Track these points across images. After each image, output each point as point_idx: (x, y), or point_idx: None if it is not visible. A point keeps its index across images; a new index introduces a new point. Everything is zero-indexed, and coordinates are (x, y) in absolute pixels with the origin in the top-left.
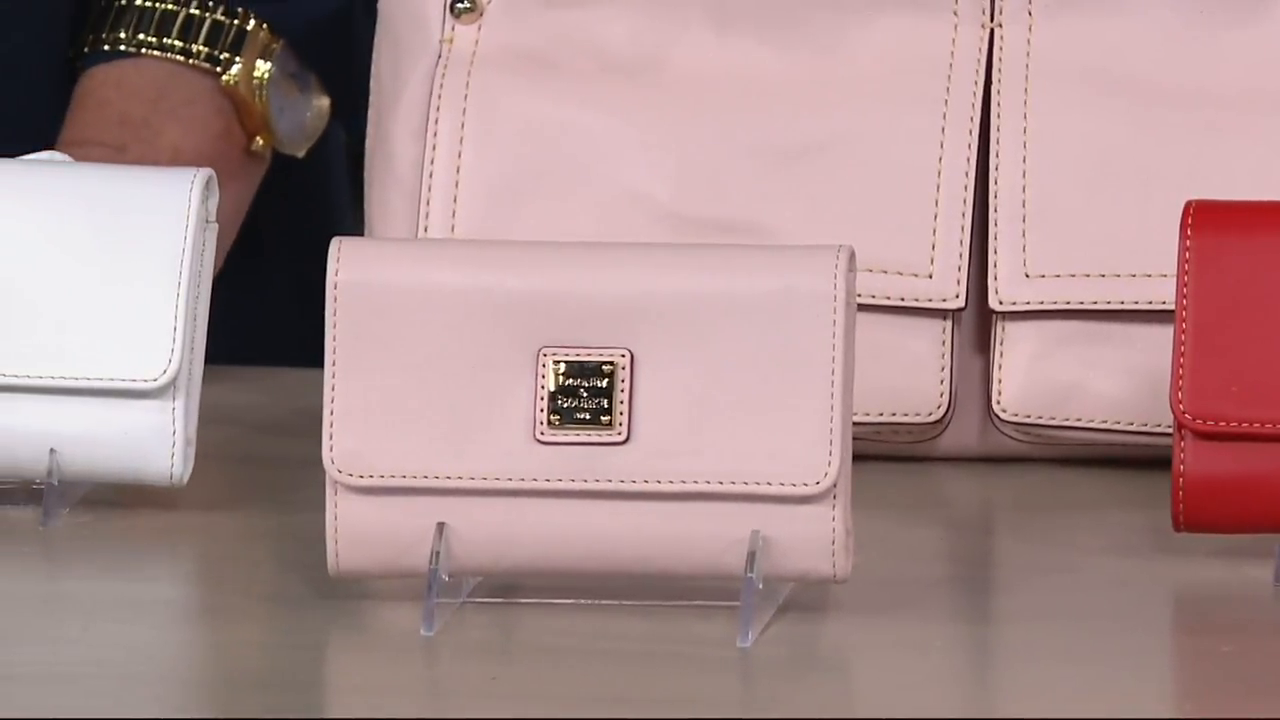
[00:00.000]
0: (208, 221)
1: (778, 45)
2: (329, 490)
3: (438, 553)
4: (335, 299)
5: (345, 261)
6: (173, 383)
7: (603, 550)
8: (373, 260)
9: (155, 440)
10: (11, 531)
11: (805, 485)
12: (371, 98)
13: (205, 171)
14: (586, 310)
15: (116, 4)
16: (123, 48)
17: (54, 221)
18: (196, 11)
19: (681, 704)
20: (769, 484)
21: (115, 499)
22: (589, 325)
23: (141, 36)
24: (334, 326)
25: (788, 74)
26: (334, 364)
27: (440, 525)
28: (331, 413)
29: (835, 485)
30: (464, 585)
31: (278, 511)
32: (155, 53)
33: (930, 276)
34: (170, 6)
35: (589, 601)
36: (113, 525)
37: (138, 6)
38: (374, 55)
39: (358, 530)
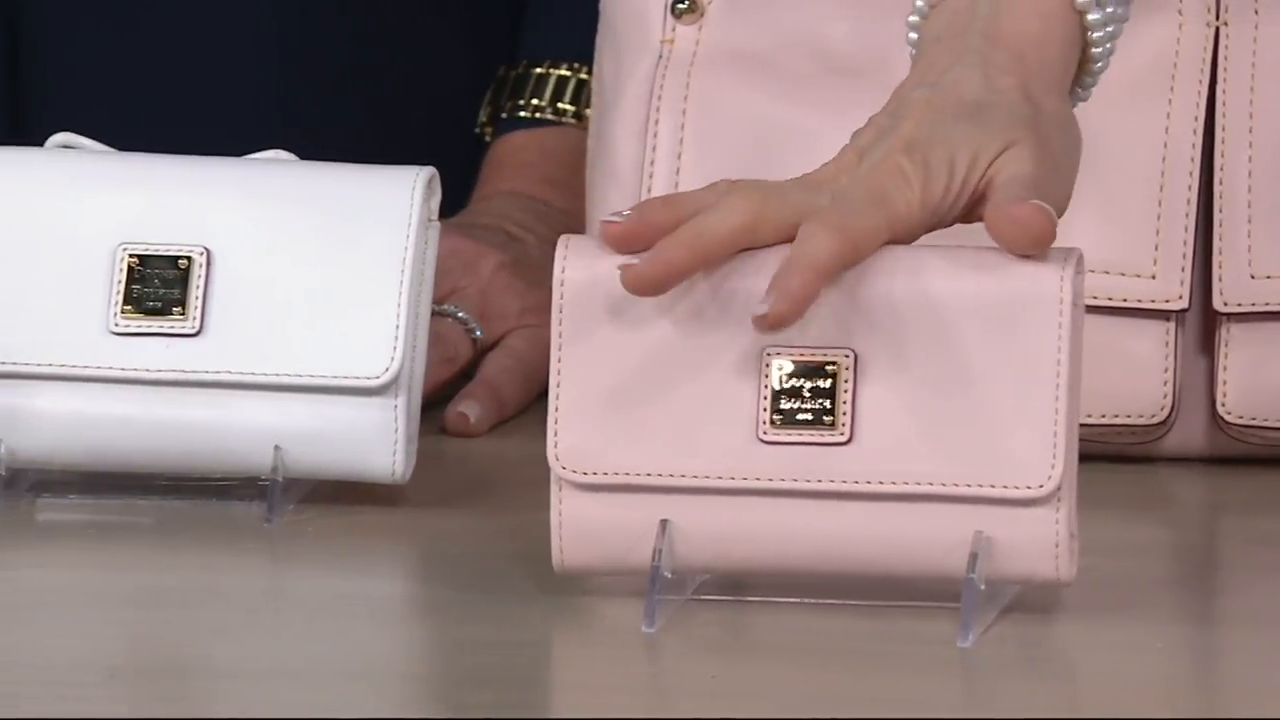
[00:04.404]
0: (430, 220)
1: None
2: (553, 487)
3: (660, 550)
4: (561, 296)
5: (571, 259)
6: (395, 380)
7: (824, 550)
8: (598, 258)
9: (378, 437)
10: (237, 528)
11: (1029, 488)
12: (593, 98)
13: (428, 170)
14: (810, 311)
15: (528, 71)
16: (540, 115)
17: (279, 220)
18: None
19: (901, 704)
20: (992, 486)
21: (338, 496)
22: (812, 325)
23: (560, 104)
24: (559, 324)
25: None
26: (559, 361)
27: (663, 523)
28: (556, 409)
29: (1060, 489)
30: (688, 583)
31: (499, 508)
32: (574, 121)
33: (1153, 277)
34: (585, 75)
35: (811, 600)
36: (336, 522)
37: (552, 75)
38: (595, 56)
39: (582, 527)
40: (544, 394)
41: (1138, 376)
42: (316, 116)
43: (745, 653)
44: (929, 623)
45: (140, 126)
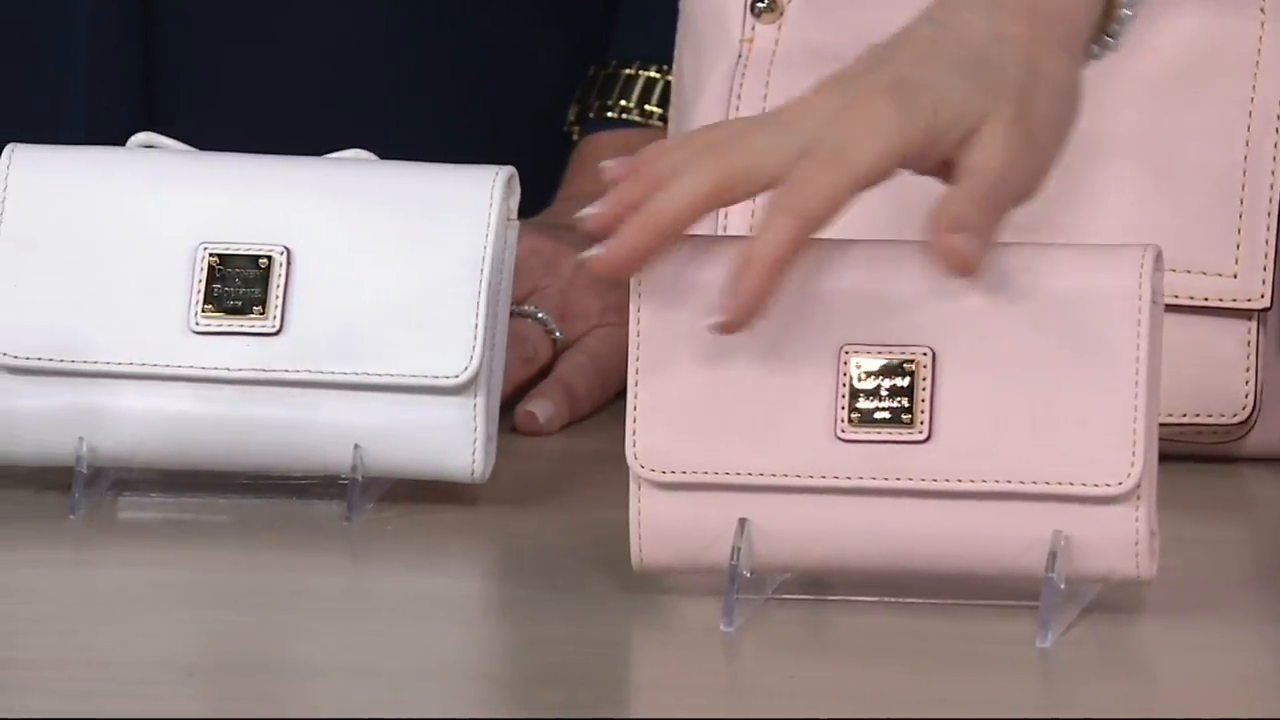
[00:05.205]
0: (509, 219)
1: None
2: (632, 485)
3: (739, 549)
4: (639, 295)
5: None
6: (474, 380)
7: (903, 549)
8: (676, 257)
9: (457, 436)
10: (316, 526)
11: (1108, 486)
12: (673, 97)
13: (507, 169)
14: (889, 308)
15: (617, 72)
16: (626, 116)
17: (358, 220)
18: None
19: (980, 704)
20: (1071, 484)
21: (417, 495)
22: (891, 323)
23: (648, 106)
24: (638, 323)
25: (1091, 72)
26: (638, 360)
27: (742, 521)
28: (635, 408)
29: (1139, 486)
30: (767, 581)
31: (578, 508)
32: (660, 123)
33: (1235, 276)
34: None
35: (889, 600)
36: (415, 521)
37: (640, 76)
38: (675, 54)
39: (661, 526)
40: (621, 393)
41: (1219, 376)
42: (416, 116)
43: (823, 652)
44: (1008, 622)
45: (258, 131)
